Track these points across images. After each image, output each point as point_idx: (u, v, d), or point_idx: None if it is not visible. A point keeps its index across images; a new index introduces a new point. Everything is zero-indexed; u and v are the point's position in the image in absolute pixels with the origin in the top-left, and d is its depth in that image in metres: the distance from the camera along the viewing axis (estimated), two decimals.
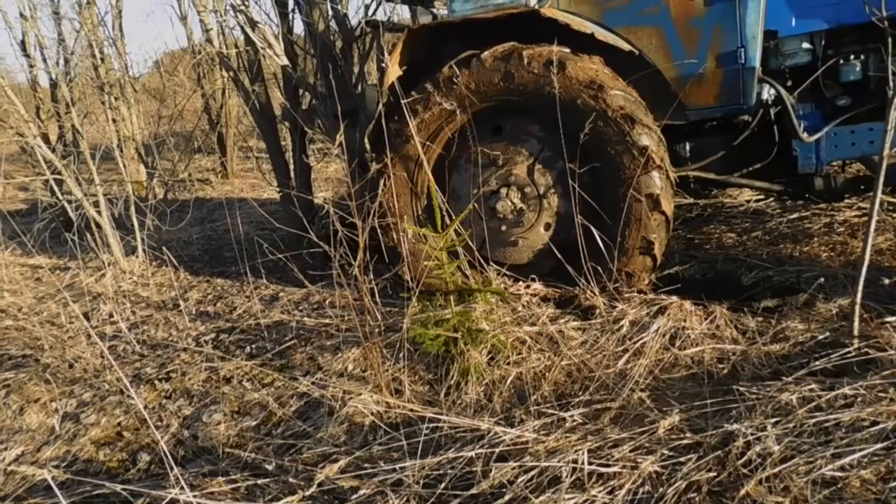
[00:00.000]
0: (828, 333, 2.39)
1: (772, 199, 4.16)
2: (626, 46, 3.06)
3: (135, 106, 7.15)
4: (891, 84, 2.08)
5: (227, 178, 10.09)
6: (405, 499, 1.62)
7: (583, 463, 1.60)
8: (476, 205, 3.23)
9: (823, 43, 3.12)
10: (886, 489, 1.47)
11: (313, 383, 2.48)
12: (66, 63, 6.54)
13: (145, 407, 2.55)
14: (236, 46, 5.00)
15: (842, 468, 1.52)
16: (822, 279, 2.86)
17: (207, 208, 8.03)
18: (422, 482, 1.69)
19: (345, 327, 3.01)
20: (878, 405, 1.77)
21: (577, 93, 2.89)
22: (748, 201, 4.30)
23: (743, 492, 1.49)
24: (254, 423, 2.38)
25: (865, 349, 2.15)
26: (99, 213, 4.58)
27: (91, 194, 4.52)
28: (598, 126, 2.88)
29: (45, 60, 7.17)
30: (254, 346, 3.13)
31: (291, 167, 5.10)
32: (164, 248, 4.63)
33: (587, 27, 2.98)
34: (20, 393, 2.66)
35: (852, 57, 3.09)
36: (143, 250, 4.93)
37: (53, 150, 4.99)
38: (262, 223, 6.35)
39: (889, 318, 2.40)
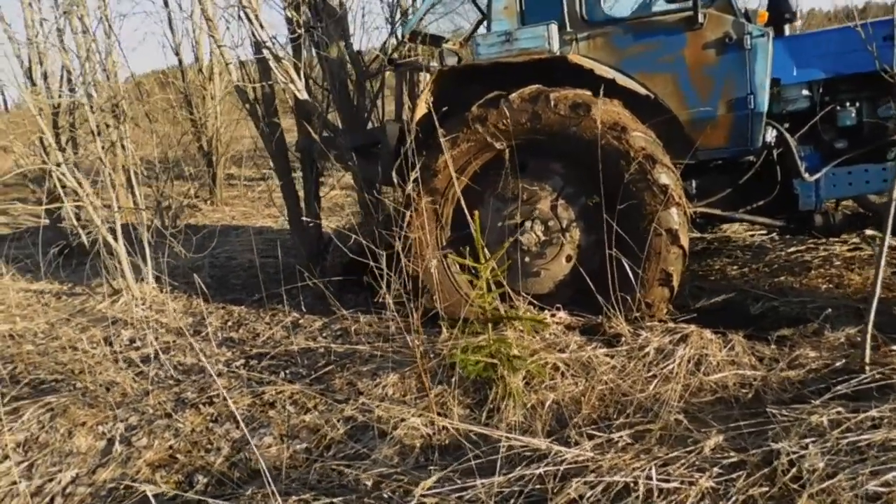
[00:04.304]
0: (843, 360, 2.58)
1: (772, 233, 4.42)
2: (643, 91, 3.30)
3: (127, 132, 7.16)
4: None
5: (216, 206, 10.10)
6: None
7: (649, 478, 1.73)
8: (502, 237, 3.39)
9: (821, 91, 3.42)
10: None
11: (362, 405, 2.56)
12: (72, 91, 6.59)
13: (192, 431, 2.59)
14: (251, 81, 5.14)
15: (884, 484, 1.68)
16: (830, 310, 3.07)
17: (202, 236, 8.05)
18: (493, 499, 1.79)
19: (379, 353, 3.10)
20: None
21: (601, 134, 3.10)
22: (752, 235, 4.55)
23: None
24: (304, 445, 2.44)
25: (881, 375, 2.34)
26: (115, 238, 4.61)
27: (108, 220, 4.56)
28: (620, 165, 3.08)
29: (47, 87, 7.22)
30: (287, 371, 3.19)
31: (301, 197, 5.22)
32: (175, 274, 4.67)
33: (609, 73, 3.22)
34: (66, 416, 2.68)
35: (847, 104, 3.39)
36: (156, 276, 4.95)
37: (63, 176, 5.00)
38: (264, 251, 6.40)
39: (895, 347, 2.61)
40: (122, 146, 5.16)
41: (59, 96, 6.59)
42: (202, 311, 4.47)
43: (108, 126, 4.92)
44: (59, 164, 4.03)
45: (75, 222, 4.81)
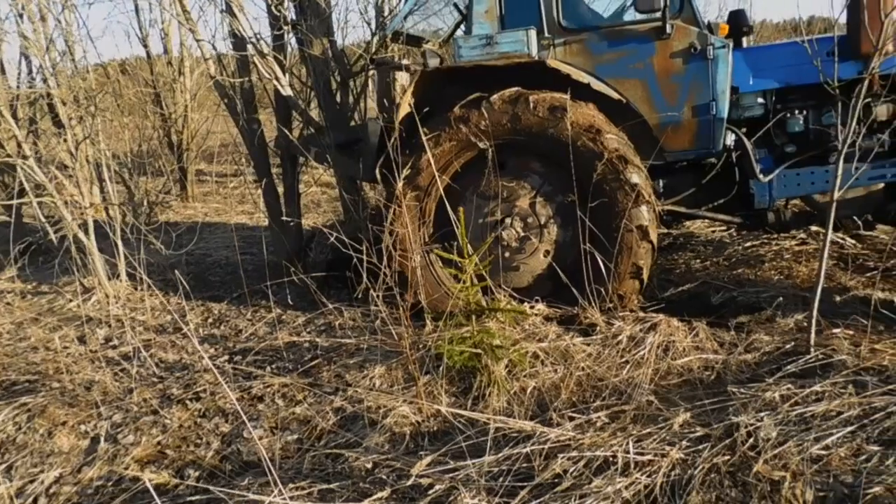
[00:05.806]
0: (792, 343, 2.83)
1: (731, 229, 4.72)
2: (615, 95, 3.50)
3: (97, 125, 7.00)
4: (839, 137, 2.56)
5: (186, 202, 9.92)
6: (474, 492, 1.86)
7: (626, 452, 1.91)
8: (483, 233, 3.54)
9: (774, 99, 3.69)
10: (859, 462, 1.87)
11: (351, 396, 2.66)
12: (32, 80, 6.39)
13: (180, 426, 2.64)
14: (229, 75, 5.12)
15: (825, 448, 1.90)
16: (781, 299, 3.33)
17: (176, 233, 7.92)
18: (484, 478, 1.93)
19: (365, 346, 3.20)
20: (842, 399, 2.19)
21: (577, 136, 3.28)
22: (713, 231, 4.84)
23: (755, 470, 1.83)
24: (296, 436, 2.53)
25: (824, 355, 2.59)
26: (87, 235, 4.55)
27: (78, 216, 4.49)
28: (595, 165, 3.27)
29: (3, 72, 6.97)
30: (273, 366, 3.26)
31: (281, 193, 5.24)
32: (150, 272, 4.62)
33: (584, 77, 3.40)
34: (44, 416, 2.67)
35: (796, 112, 3.67)
36: (129, 274, 4.90)
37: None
38: (241, 248, 6.38)
39: (836, 330, 2.89)
40: (92, 140, 5.07)
41: (18, 87, 6.38)
42: (181, 309, 4.46)
43: (70, 119, 4.82)
44: (25, 158, 3.95)
45: (42, 218, 4.71)
